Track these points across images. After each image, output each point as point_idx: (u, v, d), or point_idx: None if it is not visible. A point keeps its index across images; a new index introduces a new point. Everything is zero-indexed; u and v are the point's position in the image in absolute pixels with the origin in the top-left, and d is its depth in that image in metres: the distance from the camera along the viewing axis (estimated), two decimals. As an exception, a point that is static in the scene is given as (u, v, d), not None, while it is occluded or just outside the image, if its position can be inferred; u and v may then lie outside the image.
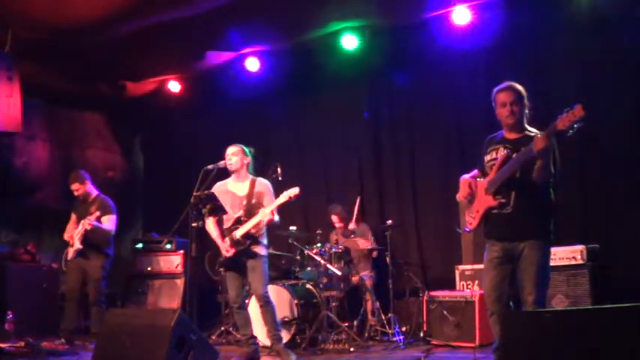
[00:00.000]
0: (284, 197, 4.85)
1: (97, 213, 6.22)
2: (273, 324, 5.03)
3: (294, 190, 4.84)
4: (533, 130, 3.81)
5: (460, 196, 3.99)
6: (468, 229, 3.98)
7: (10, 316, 6.37)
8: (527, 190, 3.68)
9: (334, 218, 6.95)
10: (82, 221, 6.24)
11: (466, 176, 4.00)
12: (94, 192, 6.54)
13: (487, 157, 3.91)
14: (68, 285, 6.44)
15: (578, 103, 3.35)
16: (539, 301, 3.63)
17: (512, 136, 3.84)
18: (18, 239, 7.70)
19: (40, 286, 7.10)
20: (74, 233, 6.36)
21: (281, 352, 5.02)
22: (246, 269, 5.01)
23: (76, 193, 6.48)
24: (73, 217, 6.56)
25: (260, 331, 5.29)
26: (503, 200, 3.73)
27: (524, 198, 3.70)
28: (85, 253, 6.31)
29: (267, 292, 5.03)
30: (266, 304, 5.00)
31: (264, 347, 5.52)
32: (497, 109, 3.87)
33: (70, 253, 6.35)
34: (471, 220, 3.91)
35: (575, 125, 3.34)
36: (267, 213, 4.90)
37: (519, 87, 3.86)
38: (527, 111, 3.85)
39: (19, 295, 6.81)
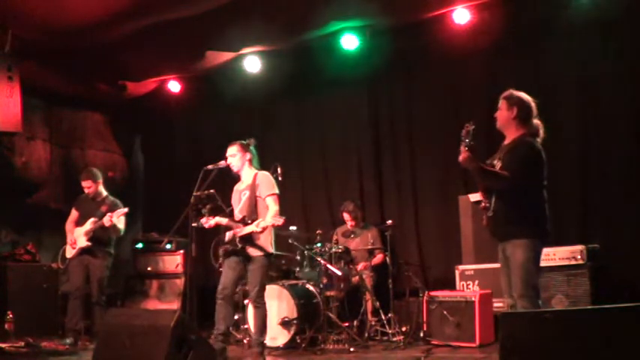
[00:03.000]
0: (267, 223, 4.77)
1: (125, 209, 6.21)
2: (260, 327, 4.95)
3: (279, 220, 4.75)
4: (520, 136, 4.02)
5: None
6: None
7: (10, 316, 6.37)
8: (502, 194, 3.93)
9: (346, 216, 6.93)
10: (93, 219, 6.22)
11: None
12: (104, 192, 6.55)
13: (488, 160, 4.13)
14: (73, 283, 6.38)
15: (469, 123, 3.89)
16: (527, 298, 3.79)
17: (505, 141, 4.11)
18: (18, 239, 7.70)
19: (40, 286, 7.10)
20: (78, 231, 6.34)
21: (255, 356, 4.93)
22: (247, 270, 4.98)
23: (87, 191, 6.46)
24: (75, 213, 6.52)
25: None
26: (487, 204, 3.99)
27: (501, 201, 3.95)
28: (92, 251, 6.30)
29: (261, 295, 4.93)
30: (258, 307, 4.93)
31: (269, 347, 5.52)
32: None
33: (73, 250, 6.33)
34: (484, 220, 4.14)
35: (467, 140, 3.82)
36: (252, 229, 4.83)
37: (509, 94, 4.08)
38: (520, 116, 4.00)
39: (19, 295, 6.81)
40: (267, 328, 5.04)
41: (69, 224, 6.51)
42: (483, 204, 4.00)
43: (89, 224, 6.25)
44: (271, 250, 5.00)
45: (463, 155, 3.83)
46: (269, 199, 4.97)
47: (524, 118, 4.00)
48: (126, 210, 6.19)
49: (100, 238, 6.30)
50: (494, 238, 4.10)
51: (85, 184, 6.46)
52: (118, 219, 6.16)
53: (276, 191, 5.02)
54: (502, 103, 4.07)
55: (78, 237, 6.32)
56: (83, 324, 6.36)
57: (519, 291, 3.82)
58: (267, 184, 5.01)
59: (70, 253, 6.38)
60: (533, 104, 4.04)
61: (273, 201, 4.97)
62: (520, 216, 3.89)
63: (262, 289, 4.96)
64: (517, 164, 3.87)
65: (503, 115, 4.05)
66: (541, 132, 4.03)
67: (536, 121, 4.03)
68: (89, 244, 6.25)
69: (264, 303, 4.98)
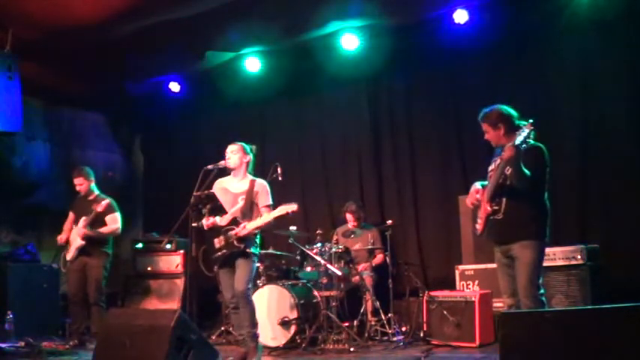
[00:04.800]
0: (281, 211, 4.81)
1: (106, 201, 6.23)
2: (250, 321, 4.93)
3: (293, 207, 4.79)
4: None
5: (468, 202, 4.33)
6: (478, 233, 4.29)
7: (10, 316, 6.37)
8: (515, 197, 3.99)
9: (349, 216, 6.93)
10: (84, 218, 6.23)
11: (477, 184, 4.27)
12: (96, 191, 6.54)
13: (490, 167, 4.23)
14: (70, 287, 6.37)
15: (530, 120, 3.85)
16: (532, 297, 3.90)
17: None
18: (18, 239, 7.70)
19: (40, 286, 7.09)
20: (74, 233, 6.34)
21: (251, 351, 4.92)
22: (235, 267, 4.99)
23: (78, 188, 6.46)
24: (71, 215, 6.51)
25: (263, 330, 5.23)
26: (496, 207, 4.05)
27: (513, 204, 4.01)
28: (88, 251, 6.29)
29: (248, 290, 4.92)
30: (245, 304, 4.91)
31: (266, 347, 5.51)
32: None
33: (72, 251, 6.32)
34: (478, 225, 4.22)
35: (528, 140, 3.77)
36: (263, 221, 4.88)
37: (490, 110, 4.19)
38: (508, 129, 4.08)
39: (19, 295, 6.81)
40: (257, 320, 5.04)
41: (65, 225, 6.52)
42: (490, 207, 4.03)
43: (81, 223, 6.26)
44: (257, 249, 5.09)
45: (510, 152, 3.82)
46: (265, 209, 5.04)
47: (513, 127, 4.06)
48: (107, 202, 6.23)
49: (95, 237, 6.30)
50: (496, 241, 4.16)
51: (76, 181, 6.47)
52: (111, 218, 6.23)
53: (272, 202, 5.09)
54: (485, 127, 4.19)
55: (74, 239, 6.32)
56: (86, 325, 6.36)
57: (526, 290, 3.91)
58: (266, 194, 5.08)
59: (69, 255, 6.38)
60: (511, 110, 4.15)
61: (268, 211, 5.03)
62: (530, 218, 3.99)
63: (248, 284, 4.96)
64: (535, 169, 3.92)
65: (492, 136, 4.18)
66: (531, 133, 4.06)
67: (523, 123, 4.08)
68: (83, 242, 6.24)
69: (252, 298, 5.02)
